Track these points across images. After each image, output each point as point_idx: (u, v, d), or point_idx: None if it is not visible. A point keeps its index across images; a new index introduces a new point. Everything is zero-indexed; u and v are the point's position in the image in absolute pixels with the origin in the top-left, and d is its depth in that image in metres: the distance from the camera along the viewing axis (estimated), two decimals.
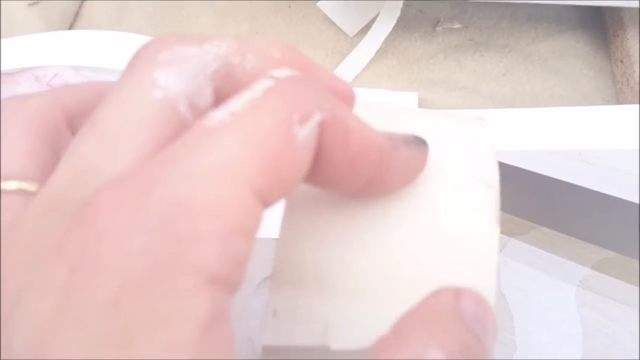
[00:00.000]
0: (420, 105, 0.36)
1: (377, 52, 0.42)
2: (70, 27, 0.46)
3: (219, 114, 0.13)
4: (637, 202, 0.30)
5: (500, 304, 0.29)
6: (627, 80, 0.39)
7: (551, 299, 0.29)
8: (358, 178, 0.15)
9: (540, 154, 0.32)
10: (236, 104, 0.14)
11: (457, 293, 0.15)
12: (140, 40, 0.38)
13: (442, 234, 0.16)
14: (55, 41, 0.36)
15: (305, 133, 0.14)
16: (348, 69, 0.42)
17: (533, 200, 0.31)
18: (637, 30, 0.40)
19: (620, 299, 0.28)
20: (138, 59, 0.15)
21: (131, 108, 0.14)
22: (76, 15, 0.46)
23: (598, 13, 0.43)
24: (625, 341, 0.27)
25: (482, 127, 0.19)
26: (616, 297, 0.28)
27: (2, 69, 0.35)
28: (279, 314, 0.15)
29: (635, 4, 0.37)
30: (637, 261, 0.29)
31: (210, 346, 0.12)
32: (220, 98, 0.15)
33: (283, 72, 0.15)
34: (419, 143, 0.17)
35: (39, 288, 0.12)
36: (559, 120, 0.34)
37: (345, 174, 0.15)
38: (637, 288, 0.28)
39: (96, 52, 0.36)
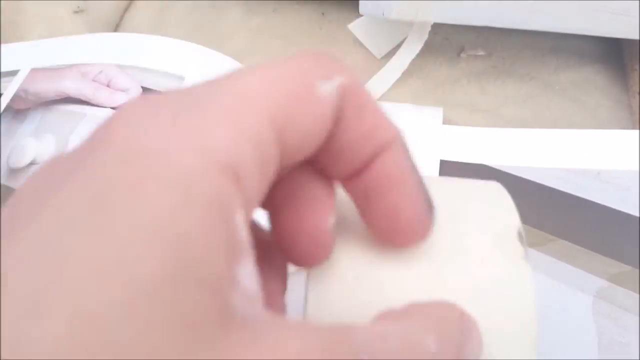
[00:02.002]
0: (444, 122, 0.38)
1: (403, 74, 0.43)
2: None
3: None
4: None
5: None
6: None
7: (568, 307, 0.29)
8: (360, 158, 0.15)
9: (561, 172, 0.34)
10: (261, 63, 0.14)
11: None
12: (179, 45, 0.40)
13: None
14: (101, 42, 0.38)
15: (327, 89, 0.14)
16: (374, 88, 0.43)
17: (552, 215, 0.32)
18: None
19: (635, 311, 0.29)
20: None
21: None
22: (117, 26, 0.48)
23: (617, 48, 0.45)
24: (638, 350, 0.28)
25: (503, 199, 0.18)
26: (631, 309, 0.29)
27: (49, 65, 0.37)
28: None
29: None
30: None
31: None
32: None
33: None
34: (430, 204, 0.16)
35: None
36: (580, 141, 0.35)
37: (352, 150, 0.15)
38: None
39: (138, 53, 0.38)
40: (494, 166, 0.35)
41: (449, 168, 0.35)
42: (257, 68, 0.14)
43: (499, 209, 0.18)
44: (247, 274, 0.12)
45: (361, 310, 0.16)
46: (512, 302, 0.16)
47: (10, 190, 0.33)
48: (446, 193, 0.18)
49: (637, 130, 0.36)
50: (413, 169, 0.16)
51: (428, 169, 0.35)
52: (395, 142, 0.15)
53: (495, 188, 0.19)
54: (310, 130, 0.14)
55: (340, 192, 0.17)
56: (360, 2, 0.40)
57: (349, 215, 0.17)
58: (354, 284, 0.16)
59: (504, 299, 0.16)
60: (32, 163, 0.33)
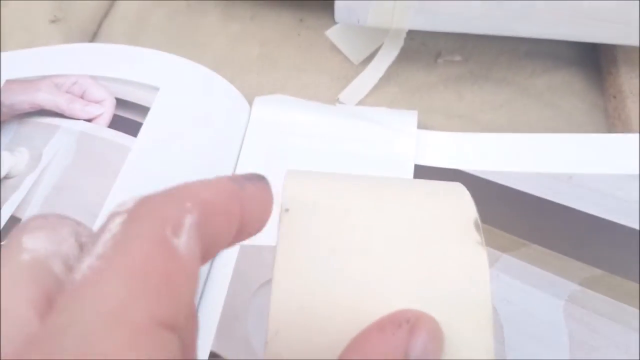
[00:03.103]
0: (420, 127, 0.38)
1: (380, 80, 0.44)
2: None
3: (85, 262, 0.13)
4: (624, 223, 0.31)
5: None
6: (619, 114, 0.41)
7: (540, 312, 0.30)
8: (230, 232, 0.15)
9: (533, 176, 0.34)
10: (98, 246, 0.13)
11: (413, 328, 0.15)
12: (154, 55, 0.40)
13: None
14: (75, 52, 0.38)
15: (184, 241, 0.13)
16: (352, 94, 0.43)
17: (525, 219, 0.33)
18: (630, 68, 0.42)
19: (606, 315, 0.29)
20: (13, 229, 0.15)
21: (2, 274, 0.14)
22: (95, 34, 0.48)
23: (593, 51, 0.45)
24: (609, 354, 0.28)
25: (463, 195, 0.20)
26: (602, 313, 0.29)
27: (23, 76, 0.37)
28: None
29: (627, 42, 0.39)
30: (623, 279, 0.30)
31: None
32: None
33: (128, 203, 0.14)
34: (259, 178, 0.17)
35: None
36: (552, 145, 0.35)
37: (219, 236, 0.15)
38: (623, 304, 0.29)
39: (113, 64, 0.38)
40: (467, 171, 0.35)
41: (423, 173, 0.35)
42: (106, 270, 0.12)
43: (458, 203, 0.19)
44: None
45: (328, 298, 0.17)
46: (469, 279, 0.17)
47: None
48: (411, 193, 0.20)
49: (611, 134, 0.36)
50: (249, 190, 0.16)
51: (402, 174, 0.35)
52: (238, 196, 0.16)
53: (456, 186, 0.20)
54: (188, 291, 0.13)
55: (291, 187, 0.18)
56: (335, 9, 0.41)
57: (302, 211, 0.18)
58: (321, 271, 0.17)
59: (461, 278, 0.17)
60: (6, 177, 0.33)
